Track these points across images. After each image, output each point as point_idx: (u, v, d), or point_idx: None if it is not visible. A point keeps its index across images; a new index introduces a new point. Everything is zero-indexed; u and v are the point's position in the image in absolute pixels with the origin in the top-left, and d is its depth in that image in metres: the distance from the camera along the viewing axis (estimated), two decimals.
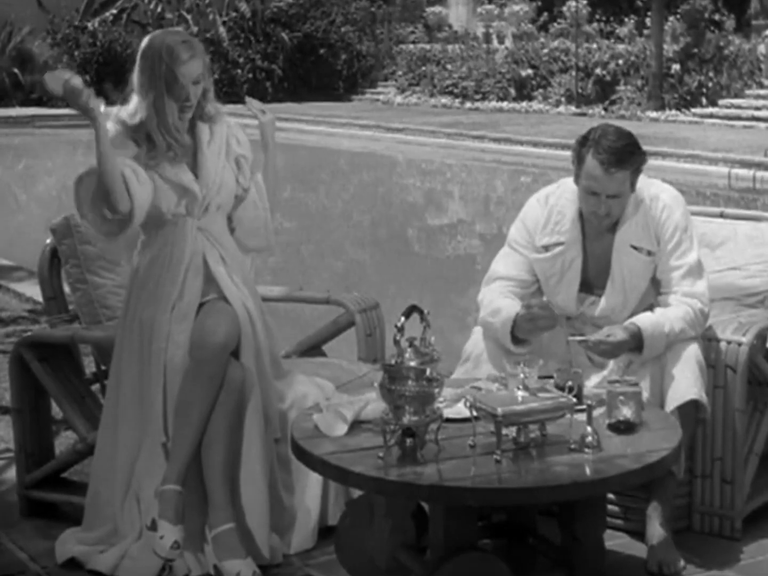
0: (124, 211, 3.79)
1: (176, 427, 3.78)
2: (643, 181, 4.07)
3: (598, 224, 4.00)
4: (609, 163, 3.86)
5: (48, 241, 4.51)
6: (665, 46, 23.30)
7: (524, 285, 4.13)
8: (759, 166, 15.68)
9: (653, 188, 4.08)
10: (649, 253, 4.02)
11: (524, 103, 25.57)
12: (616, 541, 3.97)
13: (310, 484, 3.97)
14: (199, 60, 3.89)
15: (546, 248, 4.09)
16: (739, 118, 20.87)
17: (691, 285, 3.97)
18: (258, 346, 3.92)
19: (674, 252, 4.00)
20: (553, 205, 4.10)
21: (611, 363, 3.96)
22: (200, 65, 3.89)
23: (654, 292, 4.06)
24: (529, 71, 26.17)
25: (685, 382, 3.84)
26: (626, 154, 3.89)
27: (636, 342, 3.85)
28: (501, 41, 28.20)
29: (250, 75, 29.93)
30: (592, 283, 4.11)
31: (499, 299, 4.03)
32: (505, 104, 25.85)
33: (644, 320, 3.89)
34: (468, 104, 26.47)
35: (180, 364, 3.80)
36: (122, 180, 3.76)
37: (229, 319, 3.84)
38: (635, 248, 4.02)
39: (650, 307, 4.02)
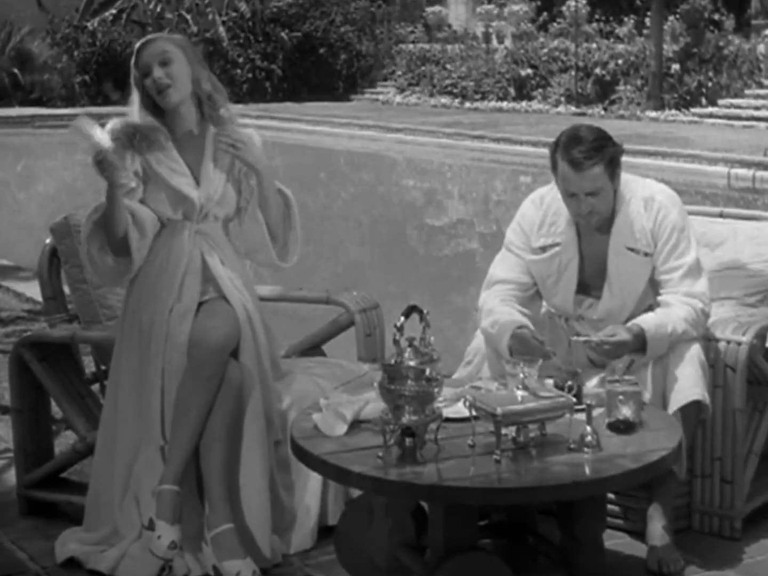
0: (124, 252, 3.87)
1: (174, 427, 3.77)
2: (637, 181, 4.06)
3: (587, 223, 3.99)
4: (579, 161, 3.86)
5: (48, 241, 4.51)
6: (665, 46, 23.31)
7: (523, 288, 4.12)
8: (759, 165, 15.68)
9: (648, 189, 4.06)
10: (646, 255, 4.01)
11: (524, 103, 25.59)
12: (616, 541, 3.97)
13: (310, 483, 3.97)
14: (159, 42, 3.94)
15: (542, 249, 4.09)
16: (738, 117, 20.87)
17: (691, 285, 3.97)
18: (258, 347, 3.92)
19: (673, 252, 3.99)
20: (548, 205, 4.10)
21: (611, 362, 3.95)
22: (161, 46, 3.92)
23: (653, 293, 4.05)
24: (529, 71, 26.19)
25: (688, 382, 3.83)
26: (594, 150, 3.87)
27: (639, 343, 3.84)
28: (500, 41, 28.22)
29: (250, 75, 29.96)
30: (589, 285, 4.10)
31: (498, 308, 4.01)
32: (504, 104, 25.87)
33: (647, 321, 3.88)
34: (467, 104, 26.49)
35: (178, 365, 3.80)
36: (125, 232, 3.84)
37: (228, 320, 3.84)
38: (631, 250, 4.01)
39: (650, 308, 4.02)
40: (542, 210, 4.10)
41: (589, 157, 3.86)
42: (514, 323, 3.91)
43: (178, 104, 3.93)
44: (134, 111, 3.96)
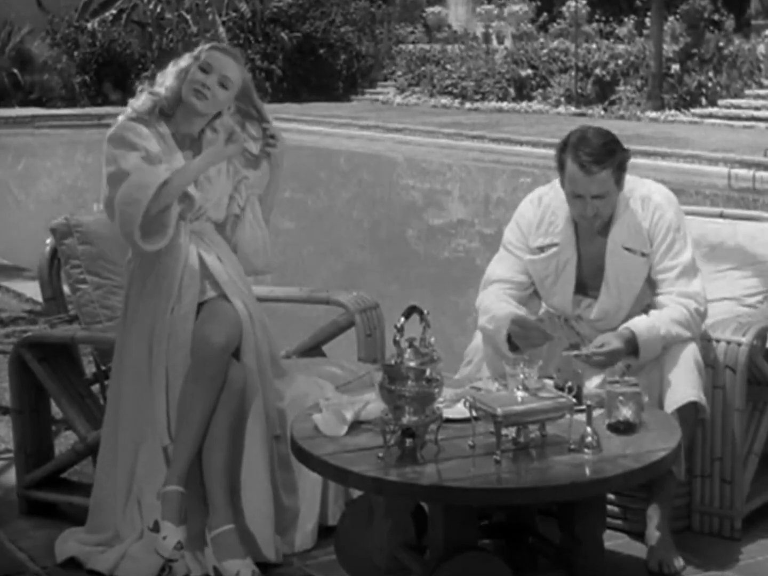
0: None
1: (178, 428, 3.77)
2: (634, 181, 4.06)
3: (589, 226, 3.99)
4: (588, 164, 3.85)
5: (48, 241, 4.51)
6: (665, 46, 23.31)
7: (521, 287, 4.12)
8: (759, 166, 15.68)
9: (644, 189, 4.06)
10: (643, 255, 4.01)
11: (524, 104, 25.59)
12: (616, 541, 3.97)
13: (310, 484, 3.97)
14: (238, 66, 4.00)
15: (541, 249, 4.09)
16: (738, 118, 20.87)
17: (686, 285, 3.97)
18: (258, 345, 3.93)
19: (668, 252, 3.99)
20: (547, 205, 4.10)
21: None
22: (234, 70, 3.97)
23: (650, 293, 4.05)
24: (529, 71, 26.19)
25: (684, 384, 3.83)
26: (604, 154, 3.87)
27: (632, 347, 3.84)
28: (500, 41, 28.21)
29: (250, 75, 29.95)
30: (587, 285, 4.10)
31: (495, 304, 4.02)
32: (504, 104, 25.86)
33: (639, 324, 3.88)
34: (468, 104, 26.48)
35: (182, 365, 3.80)
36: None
37: (230, 319, 3.84)
38: (628, 250, 4.01)
39: (647, 308, 4.02)
40: (540, 210, 4.10)
41: (600, 160, 3.85)
42: (511, 315, 3.92)
43: (196, 114, 3.95)
44: (165, 84, 3.96)
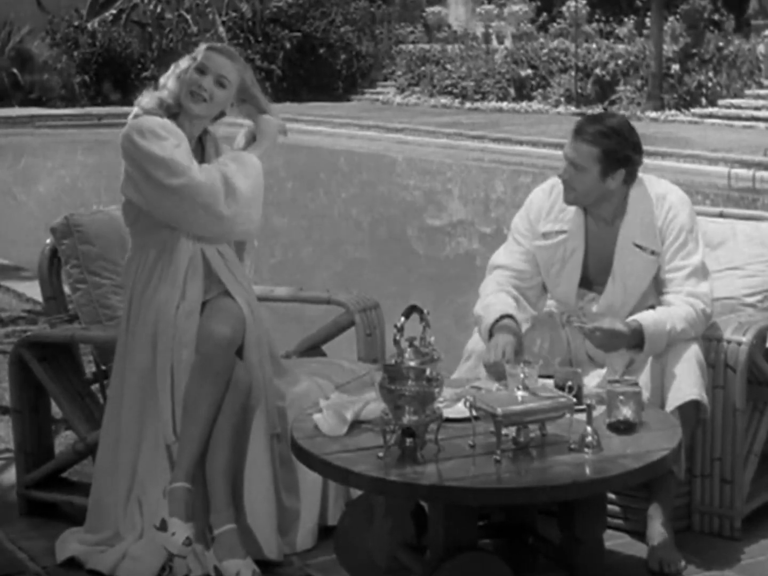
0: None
1: (184, 424, 3.76)
2: (650, 180, 4.08)
3: (566, 196, 4.02)
4: (580, 129, 3.97)
5: (48, 241, 4.51)
6: (665, 46, 23.32)
7: (523, 276, 4.13)
8: (759, 166, 15.69)
9: (660, 188, 4.08)
10: (653, 253, 4.02)
11: (524, 103, 25.60)
12: (616, 541, 3.96)
13: (310, 484, 3.97)
14: (235, 64, 4.02)
15: (549, 235, 4.10)
16: (738, 118, 20.88)
17: (695, 285, 3.97)
18: (261, 343, 3.93)
19: (679, 252, 4.00)
20: (558, 194, 4.11)
21: (611, 361, 3.95)
22: (231, 69, 3.98)
23: (655, 293, 4.06)
24: (529, 71, 26.21)
25: (686, 382, 3.83)
26: (596, 134, 3.92)
27: (637, 339, 3.85)
28: (500, 41, 28.22)
29: (251, 71, 29.91)
30: (592, 279, 4.11)
31: (491, 296, 4.05)
32: (504, 104, 25.88)
33: (646, 317, 3.88)
34: (468, 104, 26.50)
35: (187, 363, 3.79)
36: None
37: (235, 315, 3.84)
38: (639, 247, 4.02)
39: (651, 307, 4.02)
40: (551, 198, 4.13)
41: (590, 134, 3.93)
42: (499, 312, 3.96)
43: (195, 117, 3.95)
44: (167, 87, 3.96)
